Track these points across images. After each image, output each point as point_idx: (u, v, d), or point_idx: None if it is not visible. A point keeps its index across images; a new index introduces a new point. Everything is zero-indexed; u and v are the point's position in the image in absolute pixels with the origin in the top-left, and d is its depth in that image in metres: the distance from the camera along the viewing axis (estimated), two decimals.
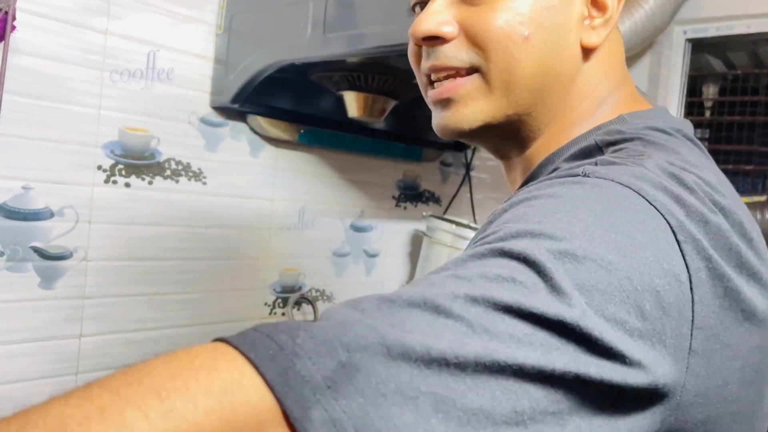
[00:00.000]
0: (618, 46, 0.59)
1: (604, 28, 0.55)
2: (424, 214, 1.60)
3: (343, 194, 1.51)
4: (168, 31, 1.13)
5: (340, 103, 1.21)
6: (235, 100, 1.18)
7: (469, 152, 1.84)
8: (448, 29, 0.54)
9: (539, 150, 0.58)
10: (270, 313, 1.37)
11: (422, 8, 0.58)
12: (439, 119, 0.59)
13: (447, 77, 0.56)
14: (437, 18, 0.55)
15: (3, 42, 0.72)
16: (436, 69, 0.57)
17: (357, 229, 1.55)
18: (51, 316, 1.04)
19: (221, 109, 1.23)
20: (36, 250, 1.01)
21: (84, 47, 1.03)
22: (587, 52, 0.56)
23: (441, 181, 1.80)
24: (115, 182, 1.09)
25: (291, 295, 1.40)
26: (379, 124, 1.44)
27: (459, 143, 1.69)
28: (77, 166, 1.04)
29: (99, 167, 1.07)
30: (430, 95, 0.59)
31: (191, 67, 1.17)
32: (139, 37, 1.10)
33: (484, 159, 1.96)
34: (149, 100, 1.12)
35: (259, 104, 1.24)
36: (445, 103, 0.58)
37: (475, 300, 0.36)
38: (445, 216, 1.61)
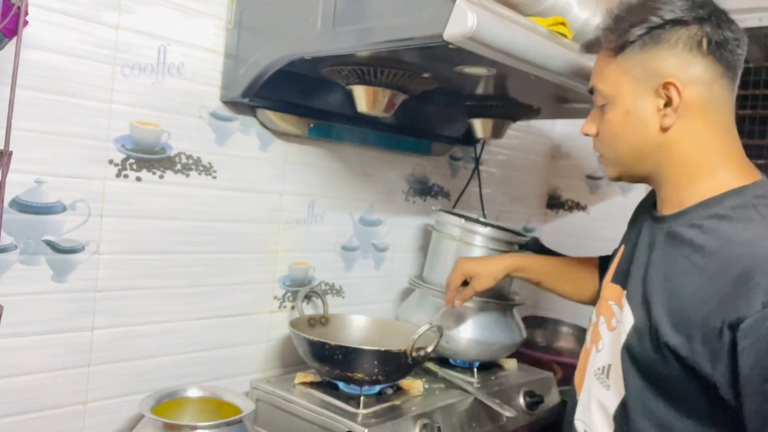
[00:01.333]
0: (708, 123, 0.87)
1: (674, 114, 0.86)
2: (433, 208, 1.60)
3: (352, 188, 1.51)
4: (178, 26, 1.14)
5: (350, 97, 1.21)
6: (245, 94, 1.18)
7: (479, 146, 1.84)
8: (592, 131, 0.97)
9: (676, 192, 0.90)
10: (279, 307, 1.38)
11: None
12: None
13: None
14: (588, 125, 0.97)
15: (16, 37, 0.73)
16: (594, 149, 0.99)
17: (366, 223, 1.56)
18: (63, 308, 1.05)
19: (231, 104, 1.23)
20: (48, 243, 1.02)
21: (95, 42, 1.04)
22: (667, 130, 0.87)
23: (450, 175, 1.80)
24: (126, 176, 1.10)
25: (300, 289, 1.40)
26: (389, 118, 1.43)
27: (468, 137, 1.69)
28: (89, 161, 1.05)
29: (110, 161, 1.08)
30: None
31: (201, 62, 1.18)
32: (150, 31, 1.10)
33: (493, 153, 1.95)
34: (160, 94, 1.13)
35: (268, 98, 1.24)
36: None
37: None
38: (454, 210, 1.61)
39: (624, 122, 0.90)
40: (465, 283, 1.30)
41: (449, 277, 1.32)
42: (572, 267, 1.29)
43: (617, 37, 0.89)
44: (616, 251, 1.14)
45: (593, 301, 1.25)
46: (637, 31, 0.86)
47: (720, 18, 0.86)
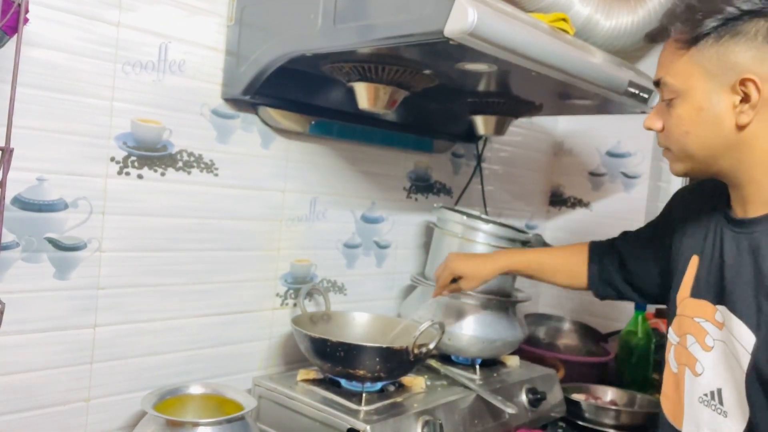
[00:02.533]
0: None
1: (752, 111, 0.82)
2: (435, 205, 1.60)
3: (354, 185, 1.51)
4: (180, 23, 1.14)
5: (351, 95, 1.21)
6: (246, 91, 1.18)
7: (481, 143, 1.84)
8: (657, 126, 0.92)
9: (760, 190, 0.86)
10: (281, 304, 1.38)
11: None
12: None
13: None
14: (651, 118, 0.93)
15: (16, 34, 0.73)
16: (658, 144, 0.94)
17: (368, 220, 1.55)
18: (66, 306, 1.05)
19: (232, 101, 1.23)
20: (51, 240, 1.02)
21: (96, 39, 1.04)
22: (744, 127, 0.83)
23: (452, 173, 1.80)
24: (128, 174, 1.10)
25: (303, 286, 1.40)
26: (390, 115, 1.43)
27: (470, 134, 1.68)
28: (90, 158, 1.05)
29: (112, 159, 1.08)
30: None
31: (203, 59, 1.18)
32: (151, 29, 1.10)
33: (495, 150, 1.95)
34: (161, 92, 1.13)
35: (270, 96, 1.24)
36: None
37: None
38: (456, 207, 1.61)
39: (695, 119, 0.85)
40: (454, 280, 1.30)
41: (439, 271, 1.31)
42: (562, 257, 1.29)
43: (690, 29, 0.84)
44: (645, 253, 1.14)
45: (583, 288, 1.25)
46: (712, 23, 0.82)
47: None
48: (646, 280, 1.16)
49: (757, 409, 0.83)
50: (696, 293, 0.94)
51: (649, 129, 0.93)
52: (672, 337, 0.98)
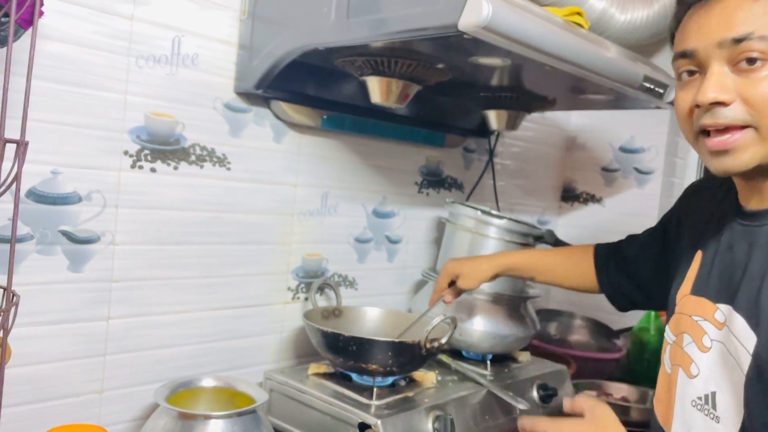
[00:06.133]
0: None
1: None
2: (447, 200, 1.60)
3: (365, 180, 1.51)
4: (193, 17, 1.14)
5: (363, 89, 1.21)
6: (258, 85, 1.18)
7: (493, 138, 1.83)
8: (729, 96, 0.74)
9: None
10: (293, 298, 1.38)
11: (689, 75, 0.79)
12: (718, 164, 0.78)
13: (723, 131, 0.75)
14: (720, 88, 0.74)
15: (31, 28, 0.73)
16: (717, 126, 0.75)
17: (379, 215, 1.55)
18: (79, 298, 1.06)
19: (245, 95, 1.23)
20: (65, 233, 1.03)
21: (110, 33, 1.04)
22: None
23: (464, 167, 1.79)
24: (141, 167, 1.10)
25: (314, 280, 1.41)
26: (402, 109, 1.43)
27: (482, 129, 1.68)
28: (104, 152, 1.06)
29: (125, 152, 1.08)
30: (707, 144, 0.78)
31: (216, 53, 1.18)
32: (165, 23, 1.10)
33: (507, 145, 1.94)
34: (174, 85, 1.13)
35: (282, 90, 1.24)
36: (723, 152, 0.76)
37: None
38: (468, 202, 1.60)
39: None
40: (452, 284, 1.28)
41: (437, 279, 1.30)
42: (566, 258, 1.25)
43: None
44: (651, 253, 1.08)
45: (592, 292, 1.23)
46: None
47: None
48: (655, 283, 1.10)
49: (753, 414, 0.77)
50: (697, 290, 0.88)
51: (715, 102, 0.75)
52: (668, 335, 0.93)
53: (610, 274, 1.19)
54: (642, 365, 1.72)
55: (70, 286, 1.04)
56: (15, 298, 0.75)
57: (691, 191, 1.05)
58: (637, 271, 1.14)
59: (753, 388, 0.77)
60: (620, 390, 1.62)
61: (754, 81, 0.73)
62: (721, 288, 0.84)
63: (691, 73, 0.79)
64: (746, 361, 0.77)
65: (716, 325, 0.83)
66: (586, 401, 0.90)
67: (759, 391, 0.76)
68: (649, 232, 1.15)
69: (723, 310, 0.83)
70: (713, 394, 0.82)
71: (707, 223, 0.91)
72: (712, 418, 0.82)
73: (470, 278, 1.24)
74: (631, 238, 1.19)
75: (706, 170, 0.84)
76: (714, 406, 0.82)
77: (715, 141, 0.77)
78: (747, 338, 0.78)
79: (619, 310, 1.23)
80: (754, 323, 0.77)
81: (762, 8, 0.73)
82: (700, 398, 0.84)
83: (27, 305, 0.98)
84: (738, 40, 0.73)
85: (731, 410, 0.79)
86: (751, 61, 0.73)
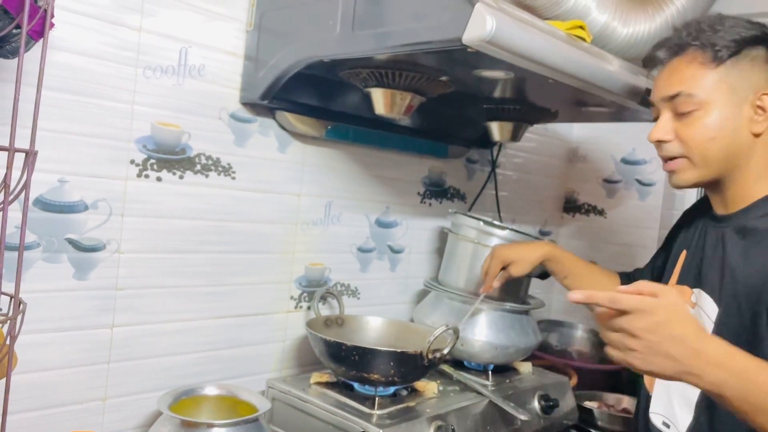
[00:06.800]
0: None
1: (766, 121, 0.97)
2: (449, 210, 1.60)
3: (368, 190, 1.52)
4: (200, 28, 1.15)
5: (368, 100, 1.22)
6: (264, 96, 1.20)
7: (495, 149, 1.84)
8: (669, 137, 1.01)
9: (741, 191, 1.01)
10: (296, 307, 1.39)
11: (654, 119, 1.05)
12: (670, 180, 1.05)
13: (669, 159, 1.03)
14: (662, 131, 1.02)
15: (42, 39, 0.74)
16: (663, 156, 1.04)
17: (382, 224, 1.56)
18: (84, 306, 1.06)
19: (250, 105, 1.24)
20: (71, 241, 1.04)
21: (119, 44, 1.05)
22: (757, 137, 0.97)
23: (466, 178, 1.80)
24: (147, 176, 1.11)
25: (317, 289, 1.41)
26: (406, 120, 1.44)
27: (485, 140, 1.69)
28: (111, 161, 1.07)
29: (132, 161, 1.09)
30: (663, 167, 1.06)
31: (222, 64, 1.19)
32: (172, 34, 1.12)
33: (510, 156, 1.95)
34: (181, 95, 1.14)
35: (287, 100, 1.25)
36: (671, 173, 1.04)
37: None
38: (471, 213, 1.61)
39: (721, 127, 0.97)
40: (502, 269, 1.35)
41: (486, 264, 1.36)
42: (598, 273, 1.36)
43: (719, 48, 0.97)
44: (657, 262, 1.26)
45: None
46: (738, 46, 0.96)
47: None
48: None
49: None
50: (680, 281, 1.09)
51: (659, 140, 1.02)
52: None
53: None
54: (643, 377, 1.71)
55: (75, 293, 1.05)
56: (22, 305, 0.76)
57: (685, 213, 1.23)
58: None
59: None
60: (621, 401, 1.62)
61: (686, 125, 0.99)
62: (696, 276, 1.06)
63: (657, 117, 1.05)
64: (710, 328, 0.99)
65: (691, 305, 1.04)
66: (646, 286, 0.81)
67: None
68: (652, 257, 1.32)
69: (696, 293, 1.05)
70: None
71: (692, 229, 1.13)
72: None
73: (522, 264, 1.31)
74: (640, 269, 1.34)
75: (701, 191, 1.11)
76: None
77: (665, 165, 1.05)
78: (712, 311, 0.99)
79: None
80: (717, 298, 1.00)
81: (690, 72, 0.98)
82: None
83: (32, 312, 0.98)
84: (672, 97, 1.00)
85: None
86: (685, 111, 0.99)
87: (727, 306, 0.98)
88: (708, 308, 1.00)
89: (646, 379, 1.12)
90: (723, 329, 0.97)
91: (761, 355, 0.87)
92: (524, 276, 1.35)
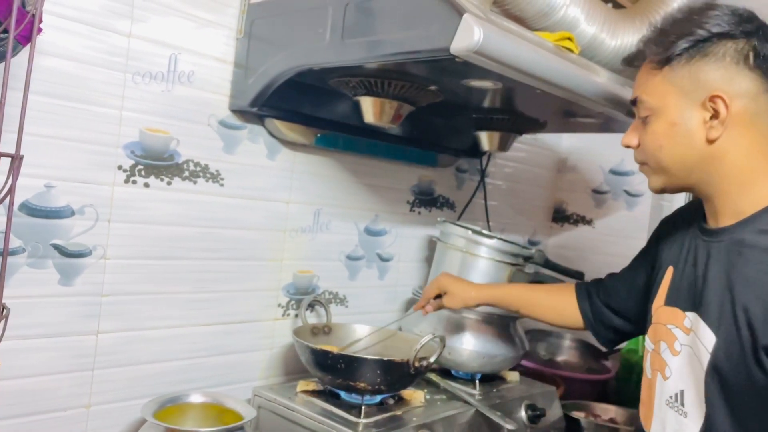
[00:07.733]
0: (756, 134, 0.88)
1: (721, 126, 0.87)
2: (438, 219, 1.61)
3: (358, 198, 1.52)
4: (190, 35, 1.15)
5: (357, 108, 1.22)
6: (253, 103, 1.20)
7: (485, 159, 1.85)
8: (634, 143, 0.97)
9: (730, 203, 0.91)
10: (283, 315, 1.38)
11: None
12: (648, 184, 1.00)
13: (640, 164, 0.99)
14: (628, 136, 0.98)
15: (30, 44, 0.74)
16: (635, 160, 1.00)
17: (371, 233, 1.56)
18: (69, 312, 1.06)
19: (240, 112, 1.24)
20: (56, 247, 1.03)
21: (108, 49, 1.05)
22: (714, 142, 0.88)
23: (456, 187, 1.81)
24: (134, 182, 1.11)
25: (304, 297, 1.41)
26: (395, 129, 1.44)
27: (474, 149, 1.69)
28: (98, 166, 1.06)
29: (119, 167, 1.09)
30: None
31: (211, 71, 1.19)
32: (162, 40, 1.12)
33: (499, 166, 1.96)
34: (170, 102, 1.14)
35: (276, 108, 1.25)
36: (645, 177, 0.99)
37: None
38: (459, 222, 1.61)
39: (669, 134, 0.91)
40: (439, 297, 1.30)
41: (427, 286, 1.33)
42: (550, 295, 1.29)
43: (663, 50, 0.90)
44: (628, 275, 1.17)
45: (575, 326, 1.25)
46: (684, 44, 0.88)
47: (767, 32, 0.87)
48: (632, 304, 1.14)
49: (713, 408, 0.87)
50: (669, 301, 0.98)
51: (627, 146, 0.98)
52: (648, 344, 1.02)
53: (592, 303, 1.22)
54: (630, 387, 1.72)
55: (60, 299, 1.04)
56: (5, 311, 0.75)
57: (664, 222, 1.14)
58: (618, 294, 1.18)
59: (711, 382, 0.88)
60: (608, 411, 1.63)
61: (645, 131, 0.95)
62: (688, 298, 0.95)
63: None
64: (707, 359, 0.88)
65: (684, 331, 0.94)
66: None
67: (716, 386, 0.87)
68: (628, 266, 1.21)
69: (690, 317, 0.93)
70: (682, 392, 0.92)
71: (678, 243, 1.02)
72: (681, 414, 0.92)
73: (455, 299, 1.27)
74: (610, 274, 1.24)
75: (692, 196, 1.01)
76: (682, 403, 0.92)
77: (639, 169, 1.00)
78: (709, 340, 0.89)
79: (602, 345, 1.25)
80: (715, 327, 0.88)
81: (644, 75, 0.94)
82: (671, 397, 0.94)
83: (17, 318, 0.98)
84: (633, 102, 0.97)
85: (696, 405, 0.90)
86: (643, 116, 0.94)
87: (727, 338, 0.86)
88: (705, 337, 0.89)
89: (642, 416, 1.03)
90: (719, 362, 0.87)
91: (760, 400, 0.83)
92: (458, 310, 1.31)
